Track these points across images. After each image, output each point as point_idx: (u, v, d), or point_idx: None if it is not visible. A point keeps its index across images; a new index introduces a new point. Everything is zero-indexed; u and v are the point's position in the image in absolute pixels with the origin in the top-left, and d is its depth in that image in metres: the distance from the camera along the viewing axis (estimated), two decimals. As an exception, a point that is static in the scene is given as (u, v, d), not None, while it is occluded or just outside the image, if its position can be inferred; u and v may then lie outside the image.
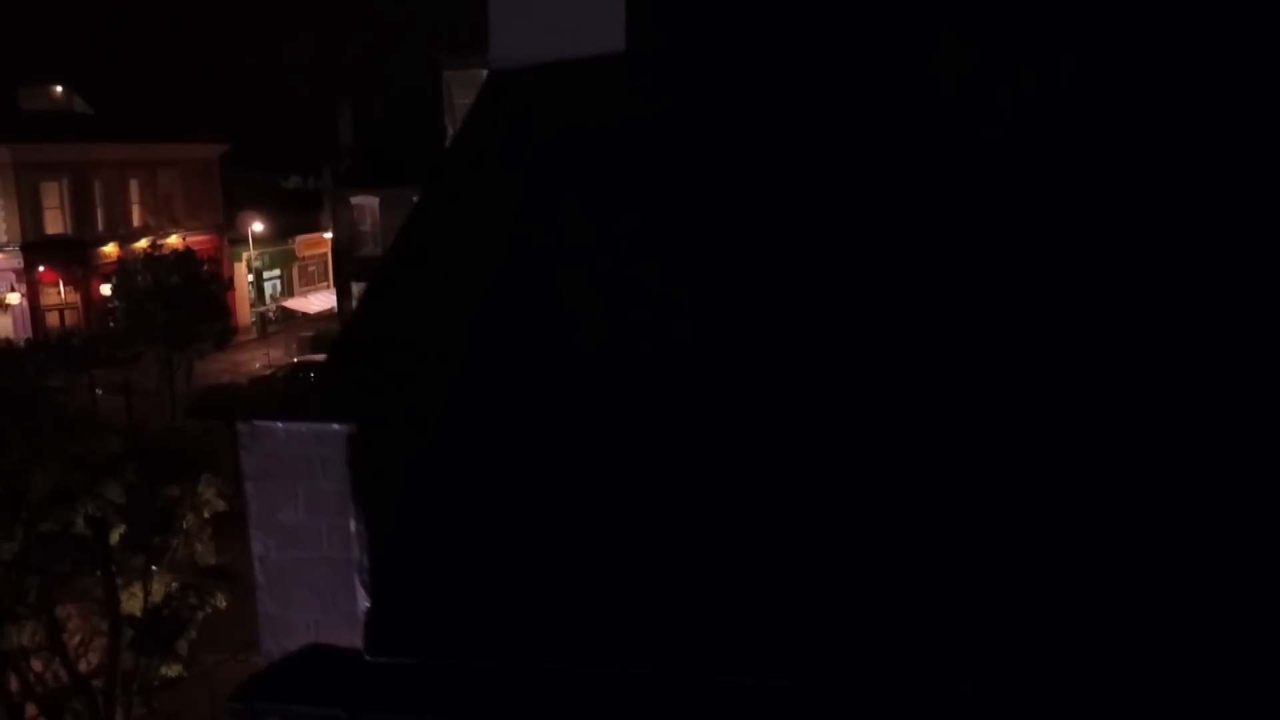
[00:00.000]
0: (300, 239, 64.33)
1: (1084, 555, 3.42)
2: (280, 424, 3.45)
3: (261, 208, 60.79)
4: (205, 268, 37.22)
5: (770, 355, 4.05)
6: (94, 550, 13.08)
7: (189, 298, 35.76)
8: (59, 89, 54.10)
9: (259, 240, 59.13)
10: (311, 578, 3.57)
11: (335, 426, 3.43)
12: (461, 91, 44.26)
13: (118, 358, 45.96)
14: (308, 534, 3.55)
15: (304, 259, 65.49)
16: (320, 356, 43.55)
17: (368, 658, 3.43)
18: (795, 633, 3.28)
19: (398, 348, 3.63)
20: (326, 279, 68.58)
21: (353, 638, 3.52)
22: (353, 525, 3.46)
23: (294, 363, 43.56)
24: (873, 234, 4.26)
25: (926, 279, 4.02)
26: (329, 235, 66.33)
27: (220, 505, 13.97)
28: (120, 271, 37.63)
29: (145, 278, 35.50)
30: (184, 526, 13.85)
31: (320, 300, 53.58)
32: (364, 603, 3.38)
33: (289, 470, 3.49)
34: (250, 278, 59.45)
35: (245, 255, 58.34)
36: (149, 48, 76.99)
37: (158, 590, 13.56)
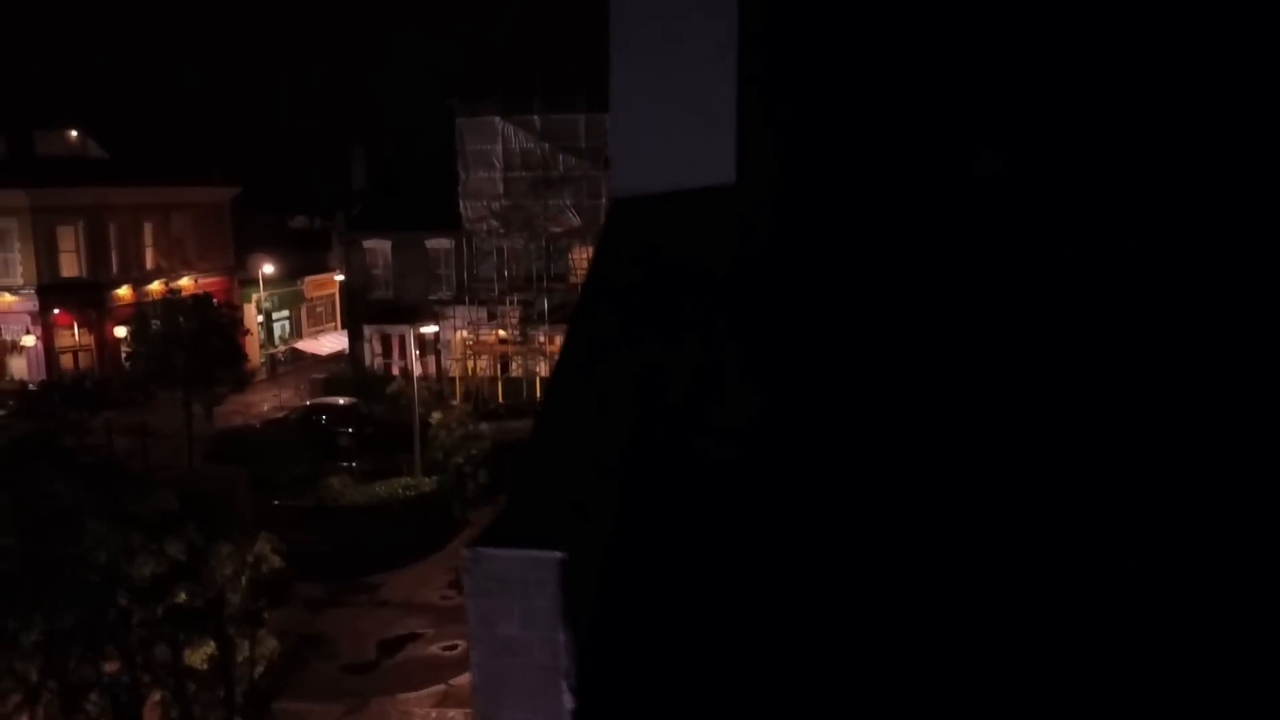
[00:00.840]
0: (308, 280, 64.91)
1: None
2: (503, 552, 3.96)
3: (270, 248, 61.35)
4: (224, 312, 37.70)
5: (899, 469, 4.56)
6: (204, 617, 13.32)
7: (207, 342, 36.23)
8: (74, 133, 54.82)
9: (268, 281, 59.72)
10: (523, 682, 4.06)
11: (550, 554, 3.94)
12: (474, 138, 45.20)
13: (130, 399, 46.45)
14: (521, 645, 4.03)
15: (312, 300, 66.05)
16: (333, 399, 43.98)
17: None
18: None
19: (583, 466, 4.17)
20: (334, 319, 69.17)
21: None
22: (561, 636, 3.96)
23: (306, 405, 43.97)
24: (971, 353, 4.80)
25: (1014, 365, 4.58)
26: (337, 276, 67.00)
27: (277, 562, 14.38)
28: (138, 316, 38.11)
29: (164, 322, 35.95)
30: (242, 584, 14.23)
31: (331, 342, 54.10)
32: (570, 704, 3.87)
33: (507, 590, 3.99)
34: (260, 318, 59.95)
35: (255, 296, 58.83)
36: (161, 90, 77.77)
37: (262, 653, 13.89)
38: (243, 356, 37.54)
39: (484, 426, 35.13)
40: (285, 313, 62.76)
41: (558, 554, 3.90)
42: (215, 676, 13.48)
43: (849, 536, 4.27)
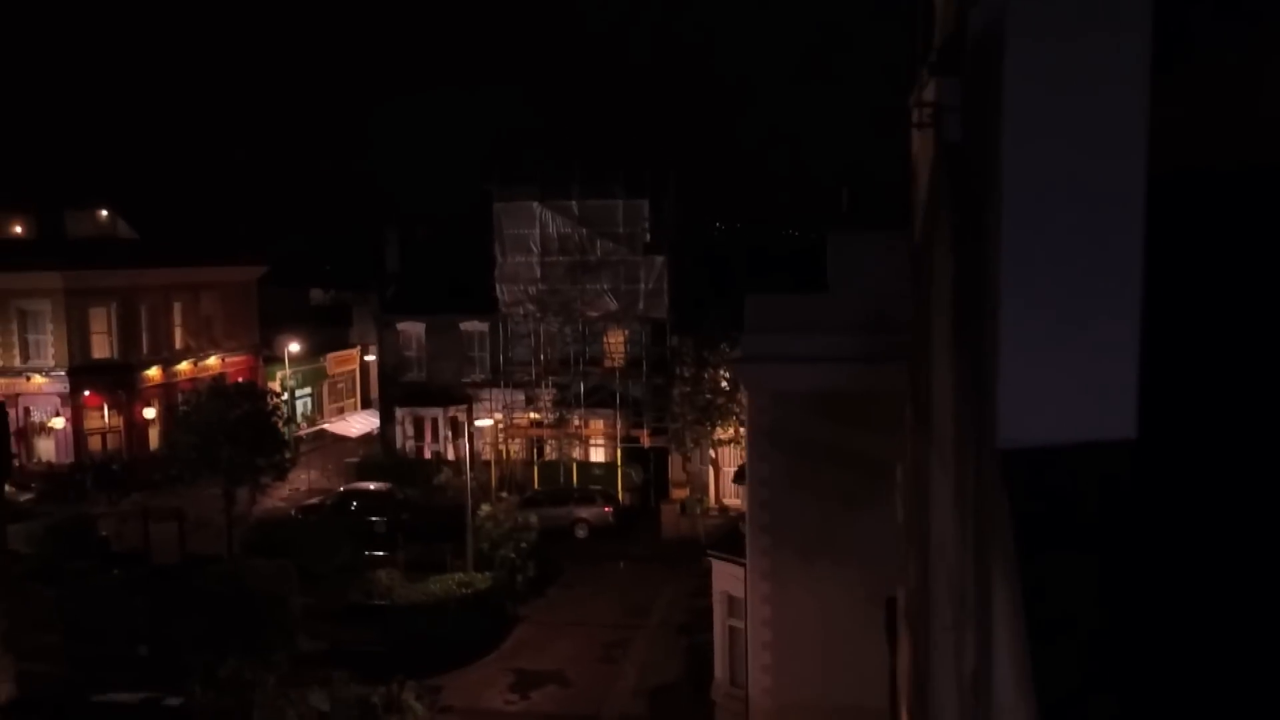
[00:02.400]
0: (330, 356, 64.81)
1: None
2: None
3: (291, 324, 61.35)
4: (266, 400, 37.47)
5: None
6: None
7: (250, 430, 35.96)
8: (104, 212, 55.01)
9: (291, 359, 59.57)
10: None
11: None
12: (511, 222, 45.41)
13: (158, 482, 45.98)
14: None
15: (334, 376, 65.90)
16: (367, 485, 43.51)
17: None
18: None
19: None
20: (354, 395, 69.01)
21: None
22: None
23: (341, 491, 43.51)
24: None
25: None
26: (369, 357, 66.86)
27: (420, 711, 14.01)
28: (181, 403, 37.87)
29: (207, 411, 35.68)
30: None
31: (361, 423, 53.72)
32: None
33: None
34: (284, 396, 59.66)
35: (279, 374, 58.61)
36: (187, 167, 78.34)
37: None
38: (285, 445, 37.22)
39: (533, 518, 34.78)
40: (308, 390, 62.57)
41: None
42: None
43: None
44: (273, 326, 59.59)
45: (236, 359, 56.30)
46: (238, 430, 35.62)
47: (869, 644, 20.33)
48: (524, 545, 33.50)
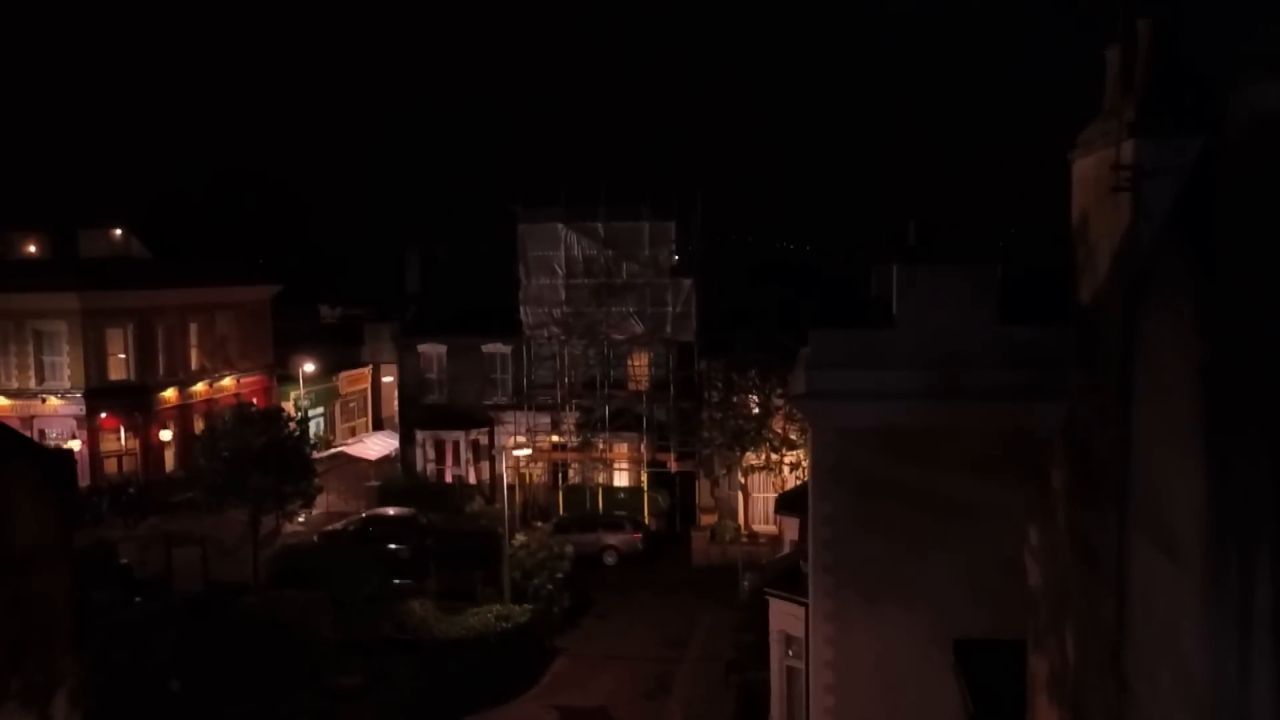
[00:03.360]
0: (342, 376, 64.15)
1: None
2: None
3: (302, 342, 60.78)
4: (291, 425, 36.85)
5: None
6: None
7: (279, 456, 35.35)
8: (118, 231, 54.47)
9: (305, 378, 58.91)
10: None
11: None
12: (535, 244, 44.91)
13: (173, 506, 45.30)
14: None
15: (345, 395, 65.24)
16: (386, 510, 42.82)
17: None
18: None
19: None
20: (366, 415, 68.29)
21: None
22: None
23: (362, 516, 42.86)
24: None
25: None
26: (374, 373, 66.20)
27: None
28: (205, 429, 37.25)
29: (234, 438, 35.05)
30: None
31: (378, 444, 52.98)
32: None
33: None
34: (297, 416, 58.96)
35: (293, 395, 57.96)
36: (198, 187, 77.75)
37: None
38: (313, 471, 36.58)
39: (569, 548, 34.21)
40: (320, 409, 61.87)
41: None
42: None
43: None
44: (283, 345, 58.96)
45: (251, 379, 55.67)
46: (265, 456, 35.01)
47: (936, 687, 19.84)
48: (560, 575, 32.93)
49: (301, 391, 57.30)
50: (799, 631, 22.50)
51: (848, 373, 20.98)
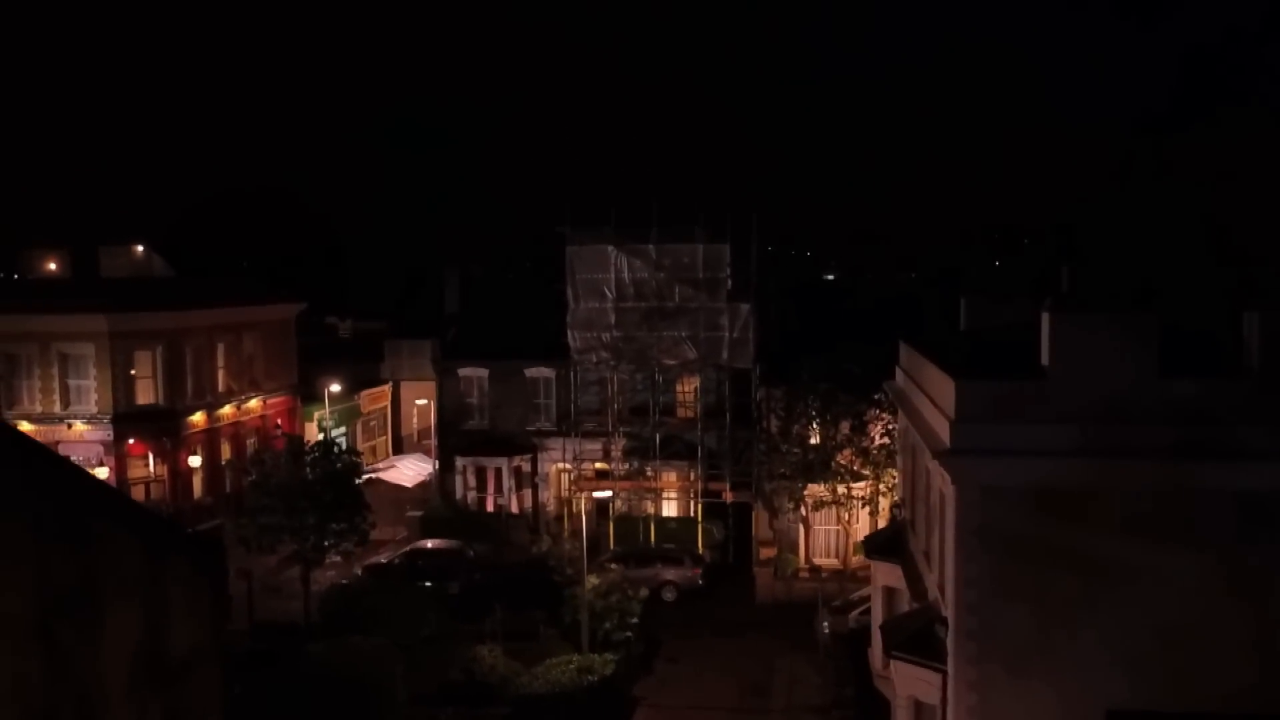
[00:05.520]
0: (364, 394, 62.47)
1: None
2: None
3: (322, 359, 59.14)
4: (346, 458, 35.34)
5: None
6: None
7: (332, 491, 33.88)
8: (140, 249, 52.74)
9: (328, 398, 57.18)
10: None
11: None
12: (584, 267, 43.46)
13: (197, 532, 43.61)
14: None
15: (366, 414, 63.55)
16: (427, 542, 41.15)
17: None
18: None
19: None
20: (385, 434, 66.51)
21: None
22: None
23: (407, 550, 41.27)
24: None
25: None
26: (420, 401, 64.10)
27: None
28: (251, 462, 35.69)
29: (286, 471, 33.55)
30: None
31: (413, 469, 51.29)
32: None
33: None
34: (320, 436, 57.30)
35: (317, 414, 56.33)
36: (217, 203, 76.03)
37: None
38: (366, 507, 35.07)
39: (644, 591, 32.81)
40: (343, 429, 60.18)
41: None
42: None
43: None
44: (302, 362, 57.20)
45: (277, 400, 54.01)
46: (319, 493, 33.53)
47: (1088, 762, 18.67)
48: (632, 620, 31.53)
49: (326, 411, 55.65)
50: (932, 699, 21.21)
51: (995, 428, 19.75)
